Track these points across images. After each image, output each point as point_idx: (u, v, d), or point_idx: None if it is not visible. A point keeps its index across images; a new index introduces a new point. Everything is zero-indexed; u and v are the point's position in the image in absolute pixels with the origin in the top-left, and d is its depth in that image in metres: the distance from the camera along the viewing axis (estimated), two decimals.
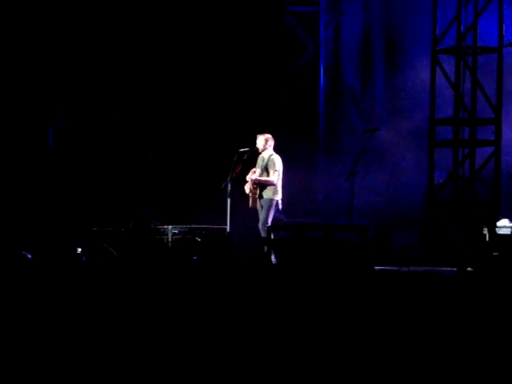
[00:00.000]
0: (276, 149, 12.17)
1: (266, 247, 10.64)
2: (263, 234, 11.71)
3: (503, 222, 11.35)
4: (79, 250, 9.36)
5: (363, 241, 9.68)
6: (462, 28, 11.19)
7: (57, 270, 6.07)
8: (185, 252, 9.67)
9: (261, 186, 11.92)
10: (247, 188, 11.98)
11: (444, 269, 10.49)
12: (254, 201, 11.95)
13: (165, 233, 12.14)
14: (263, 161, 12.08)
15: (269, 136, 12.14)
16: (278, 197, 11.96)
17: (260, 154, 12.15)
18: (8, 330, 4.85)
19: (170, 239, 12.03)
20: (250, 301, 4.92)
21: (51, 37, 14.13)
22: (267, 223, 11.73)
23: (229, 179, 12.06)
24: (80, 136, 14.31)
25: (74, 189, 14.05)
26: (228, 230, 11.89)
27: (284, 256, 8.98)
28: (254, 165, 12.17)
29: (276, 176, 11.92)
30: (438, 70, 11.12)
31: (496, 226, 11.08)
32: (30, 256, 8.11)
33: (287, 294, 5.19)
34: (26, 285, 5.51)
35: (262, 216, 11.91)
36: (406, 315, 4.87)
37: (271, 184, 11.91)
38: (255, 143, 12.12)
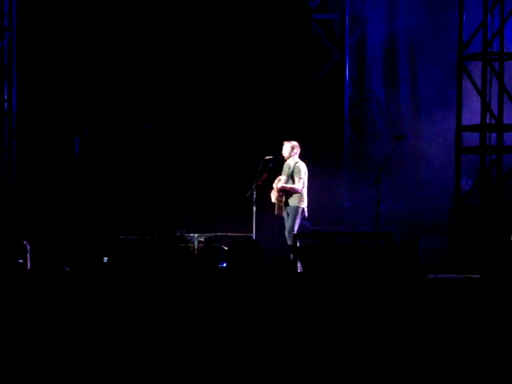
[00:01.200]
0: (301, 156, 12.16)
1: (292, 255, 10.61)
2: (289, 242, 11.69)
3: None
4: (105, 259, 9.40)
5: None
6: (488, 34, 11.12)
7: (85, 279, 6.09)
8: (211, 259, 9.70)
9: (286, 193, 11.91)
10: (273, 196, 11.97)
11: (472, 276, 10.42)
12: (280, 208, 11.94)
13: (191, 241, 12.15)
14: (289, 168, 12.07)
15: (295, 143, 12.12)
16: (304, 204, 11.94)
17: (285, 161, 12.14)
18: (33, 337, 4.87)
19: (195, 247, 12.04)
20: (277, 309, 4.90)
21: (78, 46, 14.22)
22: (293, 231, 11.72)
23: (254, 187, 12.06)
24: (106, 145, 14.37)
25: (100, 198, 14.10)
26: (254, 237, 11.88)
27: (310, 264, 8.96)
28: (279, 172, 12.17)
29: (302, 183, 11.91)
30: (464, 76, 11.06)
31: None
32: (67, 268, 8.14)
33: (314, 302, 5.17)
34: (60, 294, 5.54)
35: (288, 224, 11.89)
36: (434, 324, 4.84)
37: (297, 191, 11.89)
38: (281, 151, 12.11)
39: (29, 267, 10.51)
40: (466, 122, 11.28)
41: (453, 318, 4.94)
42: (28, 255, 10.68)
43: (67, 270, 7.76)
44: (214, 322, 4.81)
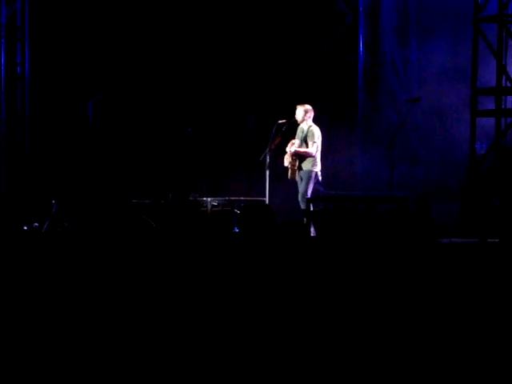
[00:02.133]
0: (315, 120, 12.09)
1: (305, 219, 10.59)
2: (303, 206, 11.67)
3: None
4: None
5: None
6: None
7: (96, 241, 6.09)
8: (225, 223, 9.65)
9: (300, 157, 11.86)
10: (286, 160, 11.93)
11: (486, 240, 10.38)
12: (293, 172, 11.90)
13: (204, 205, 12.15)
14: (302, 132, 12.01)
15: (308, 107, 12.05)
16: (317, 168, 11.90)
17: (299, 125, 12.08)
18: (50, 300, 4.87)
19: (209, 211, 12.04)
20: (290, 273, 4.89)
21: (91, 9, 14.15)
22: (307, 195, 11.69)
23: (268, 151, 12.02)
24: (119, 108, 14.34)
25: (113, 161, 14.10)
26: (267, 201, 11.86)
27: (324, 228, 8.93)
28: (293, 136, 12.11)
29: (315, 147, 11.85)
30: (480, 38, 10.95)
31: None
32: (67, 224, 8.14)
33: (327, 266, 5.15)
34: (64, 253, 5.54)
35: (301, 188, 11.86)
36: (449, 289, 4.82)
37: (310, 155, 11.84)
38: (294, 115, 12.05)
39: (45, 228, 10.55)
40: (482, 84, 11.18)
41: (465, 282, 4.91)
42: (50, 216, 10.71)
43: (68, 226, 7.80)
44: (228, 287, 4.81)
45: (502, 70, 10.95)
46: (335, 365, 4.29)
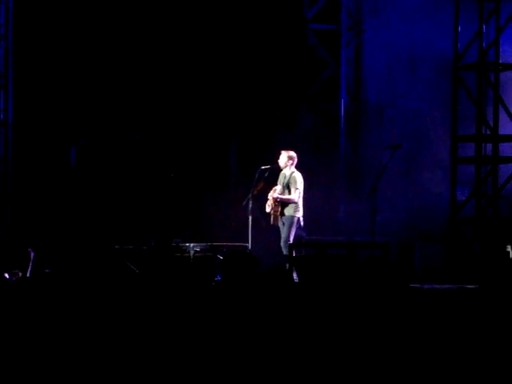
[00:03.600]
0: (297, 166, 12.16)
1: (287, 265, 10.61)
2: (285, 252, 11.69)
3: None
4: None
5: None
6: (483, 44, 11.14)
7: (79, 287, 6.08)
8: (207, 270, 9.63)
9: (282, 203, 11.91)
10: (268, 206, 11.97)
11: (467, 286, 10.42)
12: (276, 218, 11.94)
13: (186, 250, 12.14)
14: (285, 178, 12.08)
15: (292, 154, 12.13)
16: (300, 214, 11.95)
17: (281, 171, 12.14)
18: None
19: (191, 257, 12.03)
20: (273, 319, 4.90)
21: (73, 56, 14.23)
22: (289, 240, 11.72)
23: (250, 196, 12.06)
24: (102, 154, 14.36)
25: (96, 206, 14.08)
26: (249, 247, 11.88)
27: (306, 273, 8.94)
28: (275, 181, 12.17)
29: (297, 193, 11.91)
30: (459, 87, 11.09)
31: None
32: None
33: (310, 312, 5.17)
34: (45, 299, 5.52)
35: (283, 233, 11.89)
36: (429, 336, 4.84)
37: (293, 202, 11.89)
38: (277, 160, 12.12)
39: (28, 275, 10.49)
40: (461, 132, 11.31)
41: (447, 328, 4.94)
42: (30, 263, 10.66)
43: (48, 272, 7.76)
44: (210, 334, 4.81)
45: (481, 117, 11.07)
46: None
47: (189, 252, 12.05)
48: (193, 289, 5.78)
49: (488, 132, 11.06)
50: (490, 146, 11.15)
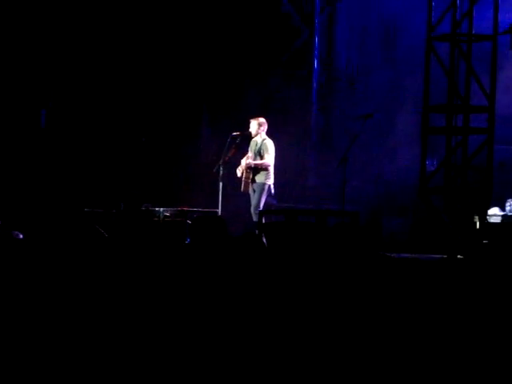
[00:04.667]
0: (268, 133, 12.17)
1: (257, 231, 10.64)
2: (255, 219, 11.72)
3: (494, 211, 11.38)
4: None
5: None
6: (457, 15, 11.16)
7: (48, 250, 6.05)
8: (177, 234, 9.68)
9: (254, 170, 11.92)
10: (239, 171, 11.97)
11: (434, 256, 10.52)
12: (247, 185, 11.95)
13: (156, 215, 12.13)
14: (256, 145, 12.08)
15: (262, 120, 12.13)
16: (271, 181, 11.97)
17: (253, 138, 12.14)
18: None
19: (161, 221, 12.02)
20: (243, 283, 4.92)
21: (44, 15, 14.07)
22: (259, 207, 11.75)
23: (221, 163, 12.05)
24: (72, 116, 14.27)
25: (66, 170, 14.02)
26: (219, 213, 11.89)
27: (275, 240, 8.98)
28: (246, 149, 12.17)
29: (269, 160, 11.93)
30: (432, 57, 11.10)
31: (487, 215, 11.10)
32: (21, 236, 8.09)
33: (281, 277, 5.19)
34: (16, 264, 5.49)
35: (254, 200, 11.91)
36: (397, 303, 4.88)
37: (265, 168, 11.91)
38: (248, 127, 12.11)
39: None
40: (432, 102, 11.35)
41: (413, 298, 4.98)
42: None
43: (20, 237, 7.72)
44: (179, 298, 4.81)
45: (453, 88, 11.11)
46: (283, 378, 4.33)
47: (158, 216, 12.04)
48: (162, 251, 5.78)
49: (459, 103, 11.10)
50: (461, 118, 11.19)
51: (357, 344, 4.47)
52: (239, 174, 11.97)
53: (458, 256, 10.33)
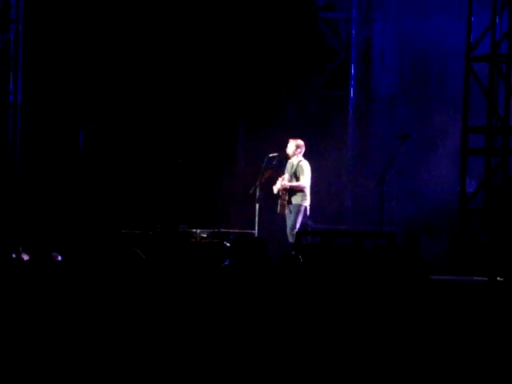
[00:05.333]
0: (305, 155, 12.15)
1: (294, 253, 10.58)
2: (291, 240, 11.69)
3: None
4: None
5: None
6: (496, 36, 11.08)
7: (86, 272, 6.07)
8: (215, 255, 9.64)
9: (290, 191, 11.90)
10: (276, 188, 11.93)
11: (473, 278, 10.40)
12: (283, 207, 11.94)
13: (193, 236, 12.13)
14: (292, 167, 12.06)
15: (300, 142, 12.12)
16: (307, 203, 11.94)
17: (289, 159, 12.12)
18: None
19: (198, 243, 12.02)
20: (284, 304, 4.89)
21: (84, 39, 14.21)
22: (295, 228, 11.71)
23: (258, 184, 12.04)
24: (110, 138, 14.36)
25: (103, 191, 14.09)
26: (256, 234, 11.87)
27: (312, 262, 8.93)
28: (282, 170, 12.15)
29: (305, 181, 11.91)
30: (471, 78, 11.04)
31: None
32: (59, 257, 8.11)
33: (319, 298, 5.15)
34: (55, 286, 5.51)
35: (290, 221, 11.88)
36: (435, 326, 4.82)
37: (301, 189, 11.88)
38: (285, 148, 12.10)
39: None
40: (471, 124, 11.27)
41: (455, 320, 4.92)
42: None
43: (59, 258, 7.75)
44: (220, 320, 4.79)
45: (492, 109, 11.02)
46: None
47: (195, 238, 12.05)
48: (202, 273, 5.76)
49: (499, 124, 11.01)
50: (500, 138, 11.10)
51: (396, 366, 4.42)
52: (275, 192, 11.95)
53: (498, 278, 10.20)
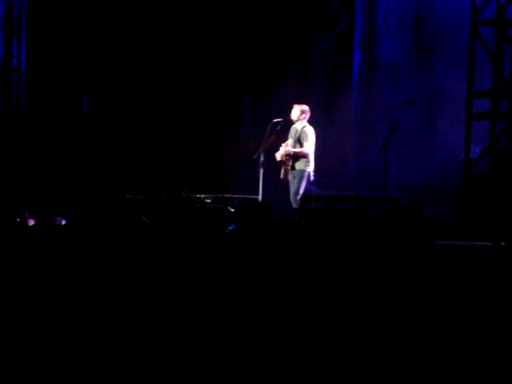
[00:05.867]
0: (309, 120, 12.10)
1: (297, 218, 10.60)
2: (294, 205, 11.68)
3: None
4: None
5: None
6: (501, 0, 11.03)
7: (89, 236, 6.08)
8: (220, 220, 9.63)
9: (293, 157, 11.88)
10: (278, 155, 11.92)
11: (477, 243, 10.40)
12: (286, 172, 11.92)
13: (197, 201, 12.13)
14: (296, 132, 12.03)
15: (305, 108, 12.07)
16: (311, 168, 11.92)
17: (293, 124, 12.08)
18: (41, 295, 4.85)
19: (201, 207, 12.02)
20: (287, 270, 4.90)
21: (88, 3, 14.15)
22: (299, 194, 11.71)
23: (262, 149, 12.02)
24: (114, 103, 14.34)
25: (107, 156, 14.09)
26: (260, 200, 11.86)
27: (316, 227, 8.93)
28: (286, 135, 12.12)
29: (309, 147, 11.87)
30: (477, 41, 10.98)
31: None
32: (63, 221, 8.13)
33: (322, 263, 5.15)
34: (58, 249, 5.52)
35: (293, 187, 11.87)
36: (441, 291, 4.82)
37: (304, 155, 11.85)
38: (290, 113, 12.05)
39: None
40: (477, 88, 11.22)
41: (461, 285, 4.92)
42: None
43: (63, 222, 7.77)
44: (225, 284, 4.80)
45: (498, 73, 10.96)
46: (328, 364, 4.30)
47: (199, 202, 12.05)
48: (207, 237, 5.77)
49: (504, 88, 10.96)
50: (505, 103, 11.04)
51: (402, 332, 4.43)
52: (278, 159, 11.93)
53: (502, 243, 10.21)
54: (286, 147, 11.88)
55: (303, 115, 12.00)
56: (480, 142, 12.14)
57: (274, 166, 12.15)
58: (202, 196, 12.20)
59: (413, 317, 4.54)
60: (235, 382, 4.16)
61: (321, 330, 4.48)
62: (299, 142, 11.93)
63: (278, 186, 12.51)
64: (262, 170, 12.01)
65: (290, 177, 11.92)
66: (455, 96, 12.67)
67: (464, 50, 11.60)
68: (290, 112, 12.07)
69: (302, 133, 11.93)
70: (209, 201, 12.14)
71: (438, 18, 13.81)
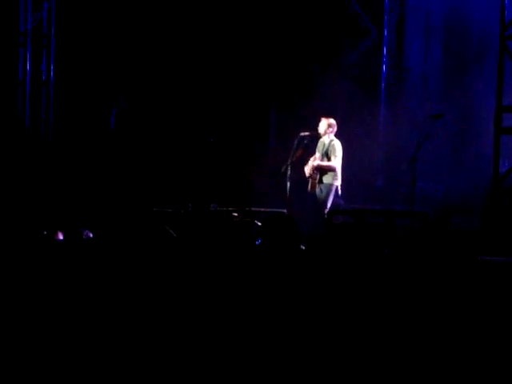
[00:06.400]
0: (336, 134, 12.09)
1: (325, 232, 10.57)
2: (322, 219, 11.64)
3: None
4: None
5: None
6: None
7: (117, 249, 6.10)
8: (246, 234, 9.68)
9: (321, 170, 11.87)
10: (307, 170, 11.92)
11: (500, 259, 10.32)
12: (314, 185, 11.91)
13: (224, 215, 12.15)
14: (324, 146, 12.02)
15: (332, 121, 12.06)
16: (338, 182, 11.90)
17: (320, 138, 12.08)
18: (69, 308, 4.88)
19: (229, 221, 12.04)
20: (318, 284, 4.89)
21: (117, 18, 14.25)
22: (326, 208, 11.69)
23: (289, 163, 12.02)
24: (143, 117, 14.41)
25: (135, 170, 14.15)
26: (286, 213, 11.85)
27: (344, 241, 8.91)
28: (314, 149, 12.12)
29: (337, 161, 11.86)
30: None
31: None
32: (91, 235, 8.16)
33: (347, 277, 5.14)
34: (86, 263, 5.55)
35: (320, 201, 11.84)
36: (468, 304, 4.79)
37: (332, 169, 11.84)
38: (317, 126, 12.05)
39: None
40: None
41: (503, 301, 4.88)
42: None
43: (91, 236, 7.79)
44: (252, 298, 4.80)
45: None
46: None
47: (226, 217, 12.07)
48: (233, 252, 5.77)
49: None
50: None
51: (438, 350, 4.41)
52: (307, 173, 11.93)
53: None
54: (314, 161, 11.88)
55: (330, 129, 12.00)
56: (509, 156, 12.08)
57: (301, 180, 12.14)
58: (229, 209, 12.22)
59: (454, 333, 4.52)
60: None
61: (346, 344, 4.47)
62: (327, 155, 11.92)
63: (305, 199, 12.50)
64: (289, 184, 12.00)
65: (317, 190, 11.91)
66: (484, 109, 12.62)
67: (494, 63, 11.56)
68: (317, 126, 12.07)
69: (330, 146, 11.91)
70: (236, 214, 12.15)
71: (468, 31, 13.77)
